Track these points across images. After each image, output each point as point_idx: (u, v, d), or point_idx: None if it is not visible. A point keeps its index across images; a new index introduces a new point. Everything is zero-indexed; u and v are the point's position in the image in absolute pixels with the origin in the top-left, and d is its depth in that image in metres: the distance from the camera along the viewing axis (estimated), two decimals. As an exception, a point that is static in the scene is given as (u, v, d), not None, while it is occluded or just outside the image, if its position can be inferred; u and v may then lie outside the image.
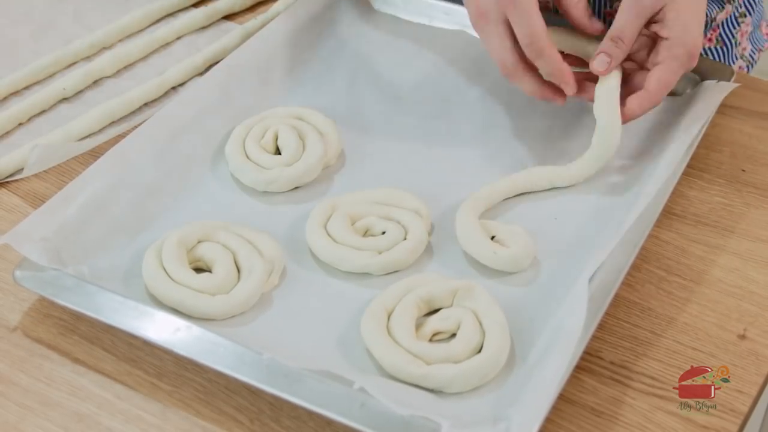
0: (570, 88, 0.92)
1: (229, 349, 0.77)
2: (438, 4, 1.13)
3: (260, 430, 0.77)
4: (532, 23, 0.89)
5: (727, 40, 1.17)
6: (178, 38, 1.15)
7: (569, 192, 0.94)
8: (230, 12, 1.19)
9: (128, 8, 1.17)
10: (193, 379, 0.80)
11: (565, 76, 0.91)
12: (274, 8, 1.17)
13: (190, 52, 1.12)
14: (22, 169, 0.97)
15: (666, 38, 0.91)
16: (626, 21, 0.91)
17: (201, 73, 1.09)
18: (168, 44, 1.14)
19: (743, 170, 0.98)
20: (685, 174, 0.94)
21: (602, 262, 0.83)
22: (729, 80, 1.01)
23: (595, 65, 0.91)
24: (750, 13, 1.18)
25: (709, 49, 1.17)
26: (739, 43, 1.19)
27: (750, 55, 1.21)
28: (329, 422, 0.75)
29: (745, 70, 1.21)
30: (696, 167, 0.97)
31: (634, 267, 0.86)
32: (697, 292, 0.86)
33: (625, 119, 0.92)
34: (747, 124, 1.02)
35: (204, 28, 1.17)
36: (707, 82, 1.01)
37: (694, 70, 1.03)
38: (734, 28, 1.17)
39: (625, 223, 0.86)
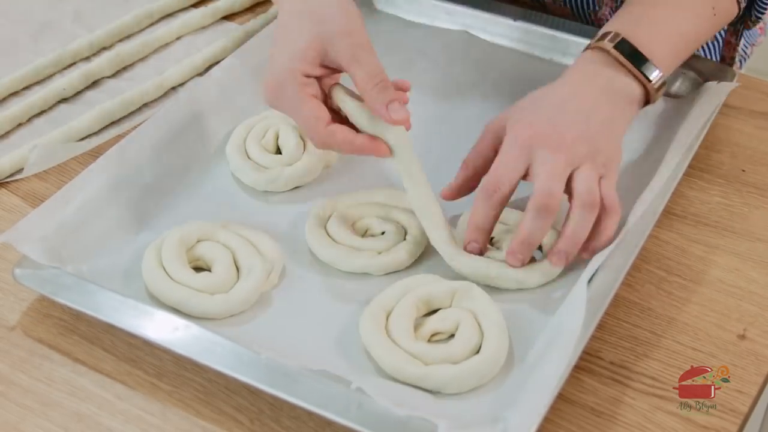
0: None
1: (227, 348, 0.77)
2: (440, 4, 1.13)
3: (260, 430, 0.77)
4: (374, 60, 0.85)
5: (718, 35, 1.17)
6: (178, 38, 1.15)
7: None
8: (230, 12, 1.19)
9: (128, 8, 1.17)
10: (192, 379, 0.80)
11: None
12: (274, 8, 1.17)
13: (190, 52, 1.12)
14: (22, 169, 0.97)
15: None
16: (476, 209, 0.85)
17: (200, 74, 1.09)
18: (167, 44, 1.14)
19: (743, 170, 0.97)
20: (686, 174, 0.94)
21: (602, 263, 0.83)
22: (731, 82, 1.01)
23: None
24: None
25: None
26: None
27: (743, 50, 1.20)
28: (329, 422, 0.74)
29: (739, 65, 1.20)
30: (696, 167, 0.97)
31: (634, 267, 0.85)
32: (697, 292, 0.86)
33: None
34: (747, 124, 1.02)
35: (203, 28, 1.17)
36: (709, 84, 1.01)
37: (696, 71, 1.03)
38: None
39: (625, 223, 0.86)
